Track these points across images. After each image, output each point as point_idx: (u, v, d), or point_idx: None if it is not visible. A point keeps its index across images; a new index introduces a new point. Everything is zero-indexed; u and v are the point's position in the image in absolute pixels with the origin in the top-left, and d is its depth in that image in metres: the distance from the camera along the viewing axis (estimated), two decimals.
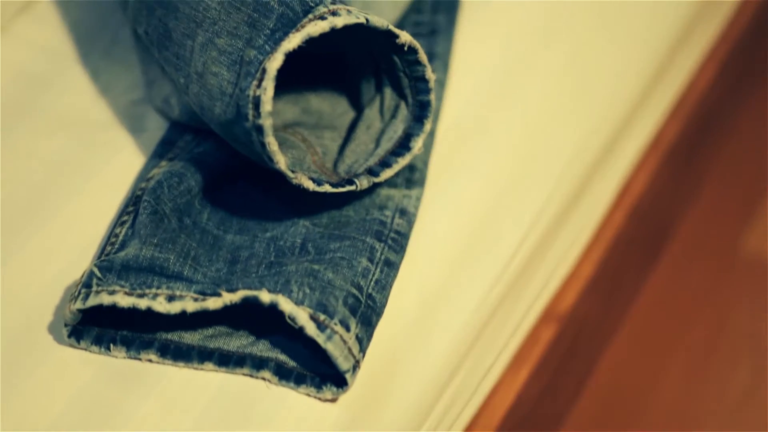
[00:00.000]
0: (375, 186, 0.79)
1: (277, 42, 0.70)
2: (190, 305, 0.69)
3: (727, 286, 1.32)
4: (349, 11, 0.71)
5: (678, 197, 1.31)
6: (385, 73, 0.79)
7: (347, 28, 0.71)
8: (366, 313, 0.72)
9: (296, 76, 0.80)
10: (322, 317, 0.69)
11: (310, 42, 0.71)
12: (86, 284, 0.70)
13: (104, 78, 0.90)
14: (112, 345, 0.71)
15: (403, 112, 0.79)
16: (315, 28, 0.70)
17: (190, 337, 0.72)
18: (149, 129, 0.86)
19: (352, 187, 0.76)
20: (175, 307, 0.69)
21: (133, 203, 0.78)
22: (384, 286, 0.74)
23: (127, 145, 0.85)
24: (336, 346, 0.68)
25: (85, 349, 0.72)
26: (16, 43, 0.92)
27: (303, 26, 0.70)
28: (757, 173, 1.41)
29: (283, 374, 0.71)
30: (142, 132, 0.86)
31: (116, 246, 0.75)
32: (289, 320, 0.68)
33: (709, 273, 1.33)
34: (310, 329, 0.68)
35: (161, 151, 0.83)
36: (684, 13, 1.02)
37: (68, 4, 0.95)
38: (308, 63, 0.82)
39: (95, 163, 0.84)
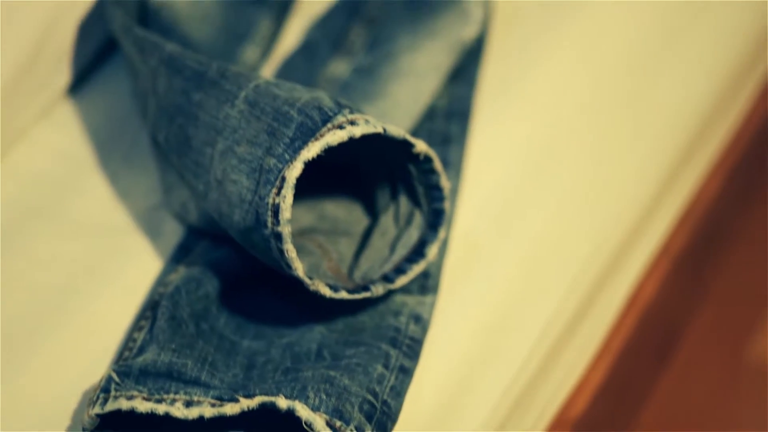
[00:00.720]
0: (390, 292, 0.80)
1: (297, 151, 0.72)
2: (208, 411, 0.69)
3: (732, 394, 1.33)
4: (366, 121, 0.73)
5: (685, 305, 1.32)
6: (400, 180, 0.81)
7: (364, 137, 0.73)
8: (381, 420, 0.72)
9: (312, 183, 0.82)
10: (338, 423, 0.69)
11: (328, 150, 0.72)
12: (105, 389, 0.70)
13: (123, 183, 0.91)
14: None
15: (418, 219, 0.80)
16: (334, 137, 0.72)
17: None
18: (167, 234, 0.87)
19: (368, 294, 0.77)
20: (192, 413, 0.69)
21: (150, 308, 0.79)
22: (399, 393, 0.75)
23: (145, 249, 0.86)
24: None
25: None
26: (37, 148, 0.94)
27: (322, 135, 0.72)
28: (763, 283, 1.42)
29: None
30: (159, 237, 0.87)
31: (134, 351, 0.75)
32: (306, 426, 0.69)
33: (714, 381, 1.34)
34: None
35: (179, 256, 0.84)
36: (690, 127, 1.04)
37: (88, 110, 0.97)
38: (324, 169, 0.83)
39: (113, 267, 0.85)
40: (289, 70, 0.97)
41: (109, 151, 0.94)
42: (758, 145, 1.26)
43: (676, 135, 1.03)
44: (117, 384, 0.71)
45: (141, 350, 0.75)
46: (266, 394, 0.70)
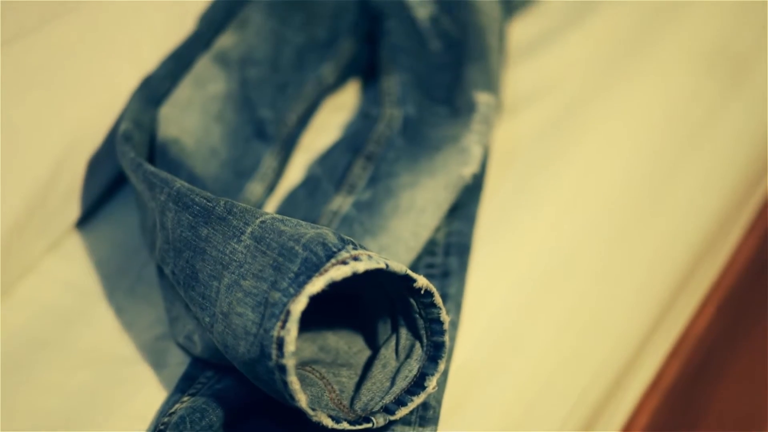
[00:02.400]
0: (391, 423, 0.81)
1: (301, 285, 0.74)
2: None
3: None
4: (369, 256, 0.75)
5: None
6: (400, 313, 0.83)
7: (367, 272, 0.75)
8: None
9: (314, 315, 0.84)
10: None
11: (332, 284, 0.74)
12: None
13: (128, 314, 0.93)
14: None
15: (418, 351, 0.82)
16: (338, 272, 0.74)
17: None
18: (171, 364, 0.89)
19: (369, 425, 0.78)
20: None
21: None
22: None
23: (150, 380, 0.88)
24: None
25: None
26: (44, 280, 0.96)
27: (326, 270, 0.74)
28: (754, 413, 1.42)
29: None
30: (164, 367, 0.88)
31: None
32: None
33: None
34: None
35: (183, 387, 0.85)
36: (683, 261, 1.07)
37: (95, 242, 1.00)
38: (326, 302, 0.85)
39: (117, 398, 0.86)
40: (291, 204, 1.00)
41: (116, 282, 0.96)
42: (748, 278, 1.29)
43: (669, 268, 1.05)
44: None
45: None
46: None
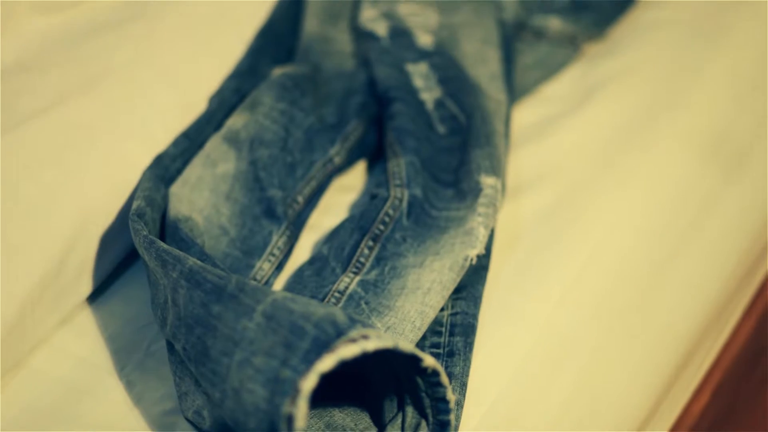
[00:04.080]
0: None
1: (312, 363, 0.75)
2: None
3: None
4: (378, 336, 0.77)
5: None
6: (407, 392, 0.84)
7: (375, 351, 0.77)
8: None
9: (321, 392, 0.85)
10: None
11: (341, 363, 0.76)
12: None
13: (137, 389, 0.95)
14: None
15: (424, 430, 0.83)
16: (348, 351, 0.75)
17: None
18: None
19: None
20: None
21: None
22: None
23: None
24: None
25: None
26: (56, 353, 0.98)
27: (336, 348, 0.76)
28: None
29: None
30: None
31: None
32: None
33: None
34: None
35: None
36: (682, 343, 1.08)
37: (107, 317, 1.01)
38: (333, 379, 0.87)
39: None
40: (299, 283, 1.02)
41: (126, 357, 0.98)
42: (744, 361, 1.30)
43: (669, 349, 1.07)
44: None
45: None
46: None
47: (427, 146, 1.09)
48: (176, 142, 1.07)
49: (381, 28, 1.20)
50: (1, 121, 1.02)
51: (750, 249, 1.19)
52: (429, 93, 1.14)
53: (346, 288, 0.98)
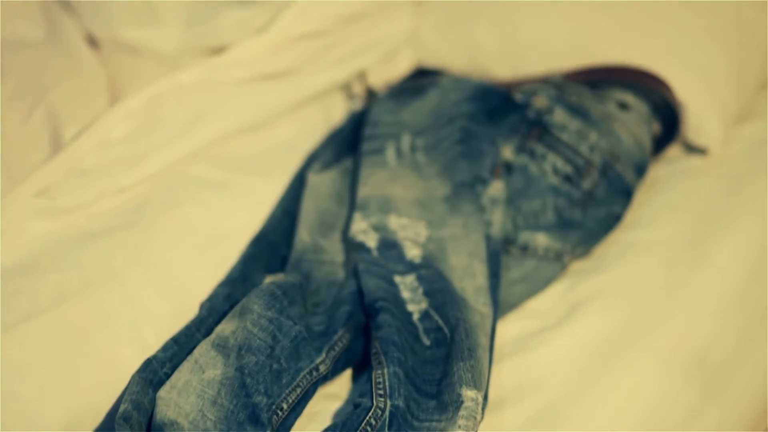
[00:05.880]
0: None
1: None
2: None
3: None
4: None
5: None
6: None
7: None
8: None
9: None
10: None
11: None
12: None
13: None
14: None
15: None
16: None
17: None
18: None
19: None
20: None
21: None
22: None
23: None
24: None
25: None
26: None
27: None
28: None
29: None
30: None
31: None
32: None
33: None
34: None
35: None
36: None
37: None
38: None
39: None
40: None
41: None
42: None
43: None
44: None
45: None
46: None
47: (412, 357, 1.11)
48: (166, 347, 1.09)
49: (371, 240, 1.24)
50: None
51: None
52: (416, 305, 1.17)
53: None
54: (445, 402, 1.06)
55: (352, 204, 1.32)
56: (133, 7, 1.59)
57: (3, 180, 1.32)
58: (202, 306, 1.16)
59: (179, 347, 1.10)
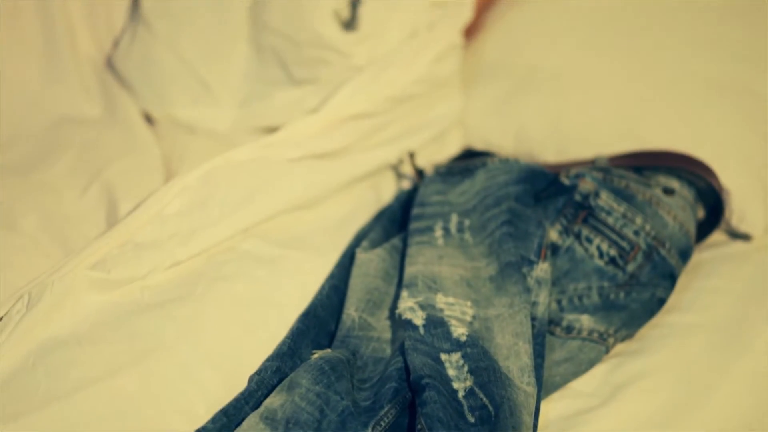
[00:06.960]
0: None
1: None
2: None
3: None
4: None
5: None
6: None
7: None
8: None
9: None
10: None
11: None
12: None
13: None
14: None
15: None
16: None
17: None
18: None
19: None
20: None
21: None
22: None
23: None
24: None
25: None
26: None
27: None
28: None
29: None
30: None
31: None
32: None
33: None
34: None
35: None
36: None
37: None
38: None
39: None
40: None
41: None
42: None
43: None
44: None
45: None
46: None
47: None
48: (215, 419, 1.12)
49: (418, 318, 1.25)
50: (55, 389, 1.08)
51: None
52: (461, 382, 1.18)
53: None
54: None
55: (399, 282, 1.34)
56: (189, 87, 1.64)
57: (60, 253, 1.36)
58: (251, 379, 1.18)
59: (228, 419, 1.12)
